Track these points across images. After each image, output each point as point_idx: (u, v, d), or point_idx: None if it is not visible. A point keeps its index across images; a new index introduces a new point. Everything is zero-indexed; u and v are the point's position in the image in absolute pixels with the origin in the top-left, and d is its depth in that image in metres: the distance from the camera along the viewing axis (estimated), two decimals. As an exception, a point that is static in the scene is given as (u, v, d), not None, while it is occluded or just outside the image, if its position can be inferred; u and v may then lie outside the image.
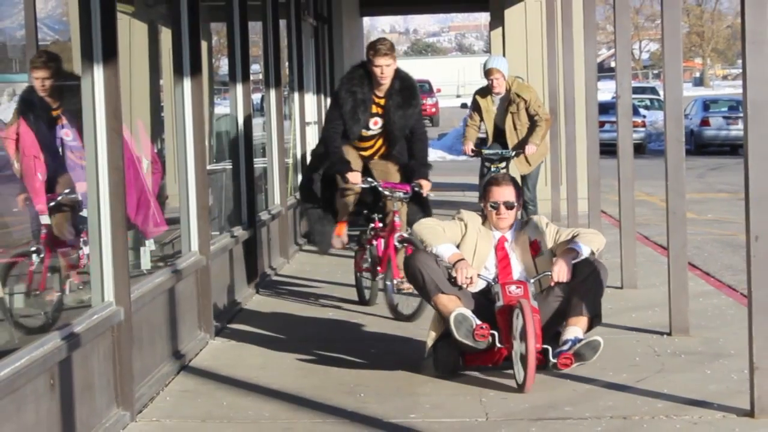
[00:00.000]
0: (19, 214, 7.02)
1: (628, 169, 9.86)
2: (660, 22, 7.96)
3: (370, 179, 8.87)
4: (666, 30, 7.92)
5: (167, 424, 6.20)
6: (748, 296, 6.01)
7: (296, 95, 13.96)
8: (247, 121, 10.26)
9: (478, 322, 6.53)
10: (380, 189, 8.83)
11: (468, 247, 6.97)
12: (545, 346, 6.51)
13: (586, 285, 6.72)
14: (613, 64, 14.01)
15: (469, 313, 6.57)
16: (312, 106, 15.73)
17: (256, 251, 10.26)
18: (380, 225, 9.03)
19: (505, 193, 7.03)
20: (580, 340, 6.60)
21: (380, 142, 9.15)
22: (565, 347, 6.57)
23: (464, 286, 6.71)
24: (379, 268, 8.94)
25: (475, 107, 12.51)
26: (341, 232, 9.23)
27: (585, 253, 6.77)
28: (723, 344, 7.64)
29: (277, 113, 12.09)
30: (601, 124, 13.42)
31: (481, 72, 12.42)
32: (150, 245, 7.86)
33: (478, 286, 6.90)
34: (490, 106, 12.33)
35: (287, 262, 11.97)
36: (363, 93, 8.84)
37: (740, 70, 6.04)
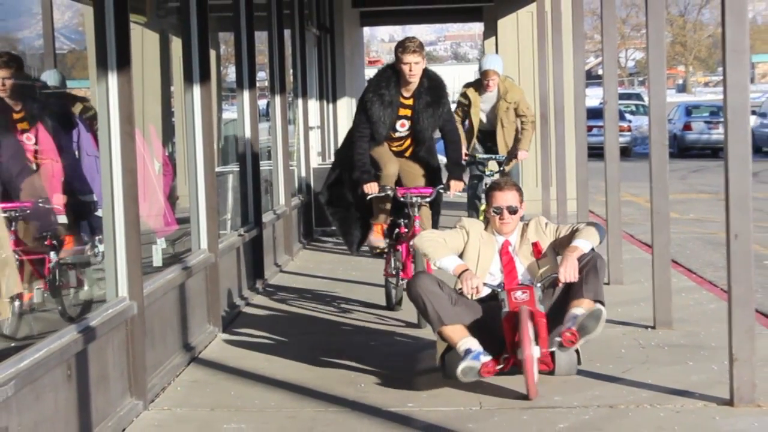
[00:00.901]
0: (36, 214, 7.02)
1: (614, 171, 9.87)
2: (645, 32, 7.97)
3: (387, 187, 8.43)
4: (650, 39, 7.93)
5: (178, 412, 6.20)
6: (727, 291, 6.01)
7: (300, 101, 13.96)
8: (254, 125, 10.26)
9: (484, 360, 6.19)
10: (397, 197, 8.44)
11: (471, 254, 6.74)
12: (552, 349, 6.39)
13: (585, 271, 6.48)
14: (600, 72, 14.01)
15: (473, 355, 6.23)
16: (315, 112, 15.73)
17: (262, 249, 10.26)
18: (405, 231, 8.56)
19: (507, 197, 6.78)
20: (581, 313, 6.41)
21: (408, 142, 8.69)
22: (569, 323, 6.35)
23: (470, 296, 6.44)
24: (402, 273, 8.53)
25: (464, 99, 12.05)
26: (379, 233, 8.77)
27: (586, 249, 6.59)
28: (704, 337, 7.65)
29: (282, 118, 12.10)
30: (589, 128, 13.45)
31: (476, 72, 12.14)
32: (161, 243, 7.87)
33: (485, 292, 6.57)
34: (478, 102, 11.99)
35: (291, 259, 11.98)
36: (390, 95, 8.37)
37: (721, 78, 6.04)
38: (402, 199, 8.42)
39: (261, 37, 11.61)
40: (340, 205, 8.99)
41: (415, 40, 8.40)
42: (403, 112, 8.47)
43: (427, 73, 8.44)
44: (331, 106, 17.83)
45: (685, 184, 23.56)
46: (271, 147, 12.07)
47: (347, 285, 10.18)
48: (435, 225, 8.73)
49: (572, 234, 6.71)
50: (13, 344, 5.47)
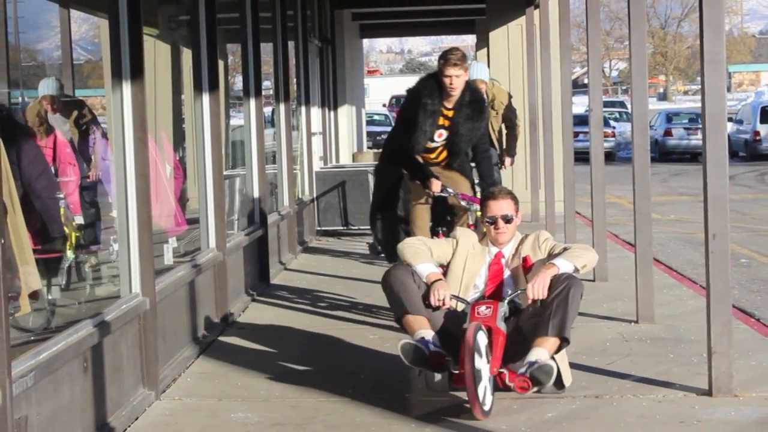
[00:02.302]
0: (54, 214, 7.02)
1: (599, 175, 9.87)
2: (628, 43, 7.98)
3: (448, 188, 7.99)
4: (633, 50, 7.93)
5: (188, 402, 6.20)
6: (706, 288, 6.02)
7: (303, 108, 13.96)
8: (259, 131, 10.26)
9: (435, 349, 5.72)
10: (459, 200, 7.98)
11: (457, 265, 6.20)
12: (502, 370, 5.71)
13: (555, 303, 5.74)
14: (586, 81, 14.02)
15: (424, 340, 5.75)
16: (317, 118, 15.73)
17: (268, 248, 10.26)
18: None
19: (502, 206, 6.20)
20: (537, 361, 5.64)
21: (443, 153, 8.15)
22: (523, 369, 5.65)
23: (439, 306, 5.89)
24: None
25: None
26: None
27: (564, 268, 5.85)
28: (684, 331, 7.65)
29: (286, 125, 12.10)
30: (576, 134, 13.44)
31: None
32: (172, 242, 7.86)
33: (461, 305, 6.06)
34: None
35: (295, 257, 11.97)
36: (433, 105, 7.87)
37: (699, 87, 6.04)
38: (464, 204, 8.01)
39: (266, 49, 11.61)
40: (390, 219, 8.49)
41: (457, 52, 7.90)
42: (442, 121, 7.98)
43: (469, 86, 7.99)
44: (332, 113, 17.85)
45: (666, 186, 23.57)
46: (275, 151, 12.07)
47: (349, 282, 10.18)
48: None
49: (558, 253, 6.05)
50: (32, 338, 5.46)
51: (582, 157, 13.86)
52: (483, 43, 18.26)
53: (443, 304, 5.89)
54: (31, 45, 7.94)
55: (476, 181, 8.48)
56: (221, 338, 7.85)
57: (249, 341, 7.77)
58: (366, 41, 34.26)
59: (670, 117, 35.27)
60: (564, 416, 5.65)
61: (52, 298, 6.54)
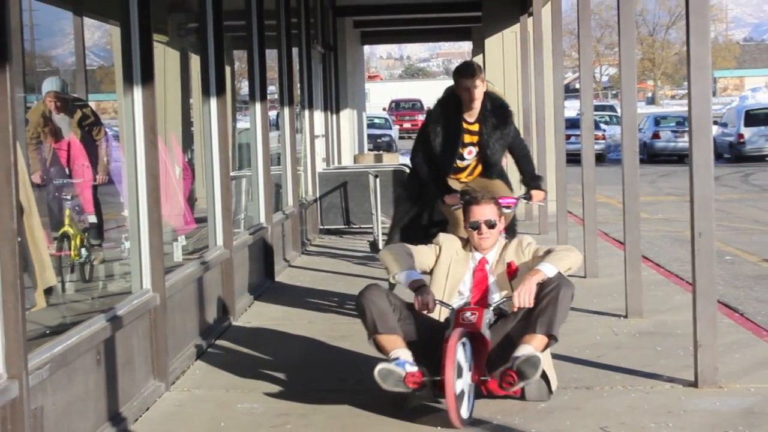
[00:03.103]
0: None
1: (590, 176, 9.88)
2: (618, 50, 7.98)
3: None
4: (623, 57, 7.94)
5: (196, 393, 6.20)
6: (692, 284, 6.02)
7: (307, 112, 13.96)
8: (265, 134, 10.26)
9: (411, 369, 5.34)
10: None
11: (441, 271, 5.89)
12: (484, 378, 5.47)
13: (545, 301, 5.47)
14: (577, 86, 14.01)
15: (399, 360, 5.38)
16: (320, 122, 15.74)
17: (273, 246, 10.26)
18: None
19: (485, 211, 5.86)
20: (523, 355, 5.37)
21: (478, 169, 7.57)
22: (509, 364, 5.37)
23: (423, 312, 5.58)
24: None
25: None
26: None
27: (549, 273, 5.55)
28: (671, 325, 7.65)
29: (290, 128, 12.10)
30: (568, 137, 13.44)
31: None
32: (181, 240, 7.87)
33: (444, 311, 5.76)
34: None
35: (299, 255, 11.98)
36: (456, 123, 7.29)
37: (686, 91, 6.04)
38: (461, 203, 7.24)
39: (271, 55, 11.62)
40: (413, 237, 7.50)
41: (471, 62, 7.50)
42: (469, 138, 7.39)
43: (489, 95, 7.41)
44: (334, 116, 17.84)
45: (654, 187, 23.57)
46: (280, 153, 12.07)
47: (350, 279, 10.18)
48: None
49: (543, 256, 5.74)
50: (47, 332, 5.47)
51: (574, 158, 13.86)
52: (479, 49, 18.30)
53: (428, 309, 5.56)
54: (46, 51, 7.95)
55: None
56: (228, 332, 7.85)
57: (255, 335, 7.78)
58: (367, 47, 34.27)
59: (658, 120, 35.26)
60: (556, 407, 5.65)
61: (65, 294, 6.56)
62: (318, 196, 13.93)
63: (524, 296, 5.47)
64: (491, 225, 5.85)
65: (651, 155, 33.35)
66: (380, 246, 11.78)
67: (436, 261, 5.93)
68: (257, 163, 10.15)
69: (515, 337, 5.53)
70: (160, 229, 6.28)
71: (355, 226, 13.91)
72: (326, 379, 6.40)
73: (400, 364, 5.38)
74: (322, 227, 14.00)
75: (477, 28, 20.27)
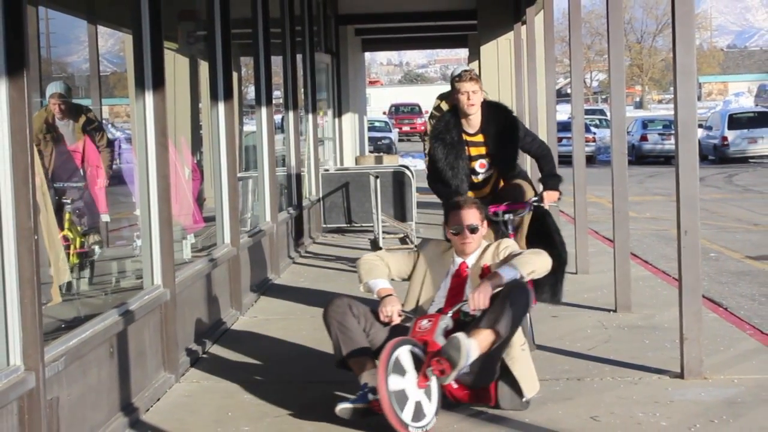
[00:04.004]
0: (83, 213, 7.02)
1: (581, 176, 9.87)
2: (607, 56, 7.98)
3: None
4: (612, 63, 7.93)
5: (205, 384, 6.20)
6: (678, 280, 6.02)
7: (310, 116, 13.96)
8: (270, 137, 10.26)
9: (374, 397, 4.97)
10: (488, 215, 6.36)
11: (417, 277, 5.61)
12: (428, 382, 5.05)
13: (496, 302, 5.14)
14: (569, 91, 14.01)
15: (362, 394, 5.08)
16: (329, 125, 15.75)
17: (278, 243, 10.26)
18: None
19: (468, 216, 5.57)
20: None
21: (494, 178, 6.94)
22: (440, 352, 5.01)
23: (388, 323, 5.34)
24: None
25: (438, 112, 9.67)
26: None
27: (509, 276, 5.21)
28: (658, 319, 7.65)
29: (295, 131, 12.11)
30: (559, 139, 13.46)
31: (445, 69, 9.97)
32: (191, 238, 7.87)
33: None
34: None
35: (303, 252, 11.97)
36: (456, 137, 6.74)
37: (672, 96, 6.04)
38: (494, 218, 6.61)
39: (277, 61, 11.62)
40: None
41: (470, 70, 7.00)
42: (476, 151, 6.81)
43: (487, 103, 6.86)
44: (337, 120, 17.86)
45: (642, 187, 23.57)
46: (285, 155, 12.07)
47: (352, 275, 10.16)
48: (551, 244, 6.65)
49: (508, 258, 5.43)
50: (63, 325, 5.47)
51: (565, 160, 13.86)
52: (475, 56, 18.29)
53: (392, 321, 5.31)
54: (61, 58, 7.96)
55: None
56: (235, 326, 7.85)
57: (261, 329, 7.77)
58: (368, 54, 34.25)
59: (645, 123, 35.26)
60: (548, 397, 5.65)
61: (80, 289, 6.56)
62: (321, 196, 13.93)
63: (479, 299, 5.13)
64: (473, 230, 5.57)
65: (639, 157, 33.34)
66: (381, 244, 11.79)
67: (414, 267, 5.66)
68: (263, 165, 10.15)
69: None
70: (170, 228, 6.27)
71: (356, 225, 13.91)
72: (330, 372, 6.38)
73: (361, 397, 5.08)
74: (325, 226, 13.99)
75: (473, 35, 20.28)
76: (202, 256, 7.61)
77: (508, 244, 5.63)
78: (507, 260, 5.39)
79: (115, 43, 8.76)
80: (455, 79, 6.77)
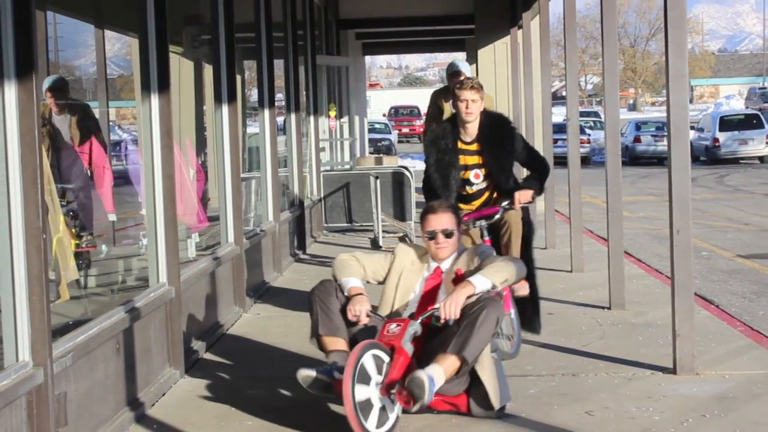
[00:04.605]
0: (90, 213, 7.01)
1: (576, 177, 9.87)
2: (601, 60, 7.97)
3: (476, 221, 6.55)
4: (606, 66, 7.93)
5: (209, 380, 6.19)
6: (671, 278, 6.02)
7: (312, 118, 13.95)
8: (273, 138, 10.26)
9: (339, 376, 4.82)
10: (463, 223, 6.00)
11: (392, 280, 5.42)
12: (392, 391, 4.82)
13: (464, 323, 4.88)
14: (564, 93, 14.03)
15: (327, 367, 4.95)
16: (324, 128, 15.73)
17: (280, 242, 10.26)
18: None
19: (442, 220, 5.37)
20: (416, 373, 4.75)
21: (488, 192, 6.69)
22: (406, 381, 4.77)
23: (356, 322, 5.15)
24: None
25: (434, 108, 9.32)
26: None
27: (481, 286, 5.00)
28: (651, 316, 7.65)
29: (297, 133, 12.10)
30: (555, 141, 13.44)
31: (445, 77, 9.36)
32: (195, 237, 7.87)
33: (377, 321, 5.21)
34: (450, 110, 8.72)
35: (305, 251, 11.97)
36: (451, 143, 6.54)
37: (665, 98, 6.04)
38: (465, 226, 6.33)
39: (279, 64, 11.61)
40: None
41: (473, 78, 6.77)
42: (471, 160, 6.59)
43: (486, 113, 6.62)
44: (337, 122, 17.82)
45: (635, 187, 23.56)
46: (287, 156, 12.07)
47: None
48: (528, 247, 6.68)
49: (481, 265, 5.21)
50: (70, 322, 5.46)
51: (560, 161, 13.88)
52: (472, 59, 18.24)
53: (359, 320, 5.13)
54: (69, 62, 7.95)
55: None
56: (238, 323, 7.84)
57: (264, 326, 7.77)
58: (368, 58, 34.25)
59: (638, 125, 35.26)
60: (545, 392, 5.65)
61: (88, 286, 6.55)
62: (322, 196, 13.92)
63: (450, 308, 4.91)
64: (448, 234, 5.37)
65: (632, 158, 33.34)
66: (380, 243, 11.78)
67: (389, 270, 5.46)
68: (266, 165, 10.15)
69: (438, 350, 4.95)
70: (175, 227, 6.27)
71: (356, 225, 13.90)
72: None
73: (326, 371, 4.93)
74: (326, 225, 13.99)
75: (470, 39, 20.29)
76: (207, 255, 7.60)
77: (483, 249, 5.44)
78: (480, 267, 5.18)
79: (121, 47, 8.75)
80: (456, 87, 6.54)
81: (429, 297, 5.32)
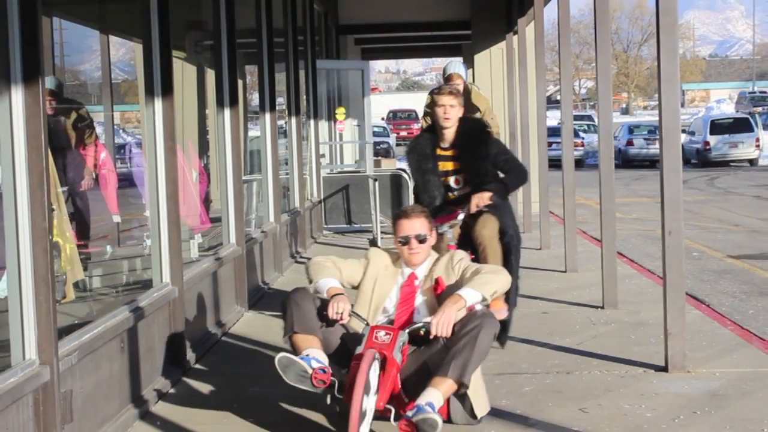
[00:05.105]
0: (95, 213, 7.01)
1: (570, 179, 9.87)
2: (595, 65, 7.97)
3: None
4: (599, 71, 7.94)
5: (211, 378, 6.18)
6: (663, 277, 6.02)
7: (312, 122, 13.95)
8: (274, 141, 10.25)
9: (319, 364, 4.70)
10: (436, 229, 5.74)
11: (367, 286, 5.18)
12: (388, 406, 4.63)
13: (461, 342, 4.67)
14: (558, 97, 14.03)
15: (307, 356, 4.75)
16: (324, 131, 15.73)
17: (281, 243, 10.25)
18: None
19: (415, 225, 5.15)
20: (426, 409, 4.51)
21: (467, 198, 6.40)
22: (410, 413, 4.52)
23: (338, 320, 4.89)
24: None
25: (430, 109, 7.77)
26: None
27: (472, 300, 4.79)
28: (643, 315, 7.65)
29: (297, 136, 12.09)
30: (549, 144, 13.45)
31: (440, 77, 9.41)
32: (198, 238, 7.87)
33: (360, 324, 5.02)
34: None
35: (305, 251, 11.96)
36: (429, 150, 6.42)
37: (657, 102, 6.04)
38: (439, 232, 6.10)
39: (280, 68, 11.61)
40: None
41: (452, 85, 6.76)
42: (450, 166, 6.45)
43: (463, 119, 6.45)
44: (346, 125, 17.83)
45: (628, 189, 23.57)
46: (288, 159, 12.06)
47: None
48: (509, 258, 6.31)
49: (470, 278, 4.95)
50: (76, 321, 5.46)
51: (555, 164, 13.87)
52: (468, 64, 18.23)
53: (341, 318, 4.87)
54: (75, 67, 7.96)
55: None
56: (240, 322, 7.84)
57: (265, 325, 7.77)
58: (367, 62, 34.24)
59: (631, 129, 35.31)
60: (539, 390, 5.65)
61: (93, 286, 6.55)
62: (322, 197, 13.92)
63: (442, 326, 4.68)
64: (421, 240, 5.16)
65: (625, 161, 33.37)
66: (379, 244, 11.78)
67: (363, 275, 5.23)
68: (267, 168, 10.14)
69: (431, 367, 4.76)
70: (178, 228, 6.27)
71: (356, 225, 13.91)
72: (332, 364, 6.37)
73: (305, 359, 4.72)
74: (325, 226, 13.99)
75: (467, 45, 20.28)
76: (209, 255, 7.60)
77: (462, 257, 5.20)
78: (466, 279, 4.96)
79: (126, 52, 8.76)
80: (435, 92, 6.41)
81: (406, 305, 5.10)
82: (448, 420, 4.91)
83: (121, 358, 5.23)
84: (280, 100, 12.16)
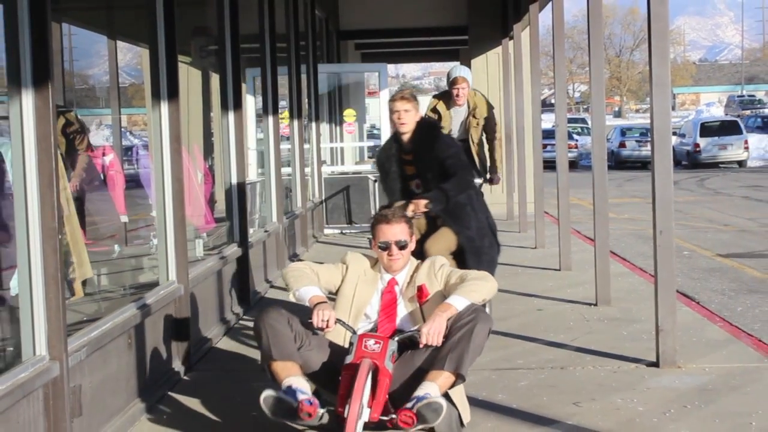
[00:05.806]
0: (103, 213, 7.01)
1: (564, 180, 9.87)
2: (588, 69, 7.97)
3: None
4: (592, 75, 7.94)
5: (216, 372, 6.20)
6: (654, 276, 6.02)
7: (314, 124, 13.95)
8: (276, 144, 10.25)
9: (303, 396, 4.37)
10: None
11: (347, 292, 4.93)
12: (383, 417, 4.37)
13: (456, 335, 4.49)
14: (553, 101, 14.02)
15: (291, 389, 4.43)
16: (326, 133, 15.73)
17: (283, 242, 10.25)
18: None
19: (395, 231, 4.89)
20: (426, 396, 4.34)
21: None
22: (410, 404, 4.31)
23: (321, 329, 4.60)
24: None
25: (433, 113, 8.97)
26: None
27: (462, 307, 4.58)
28: (636, 312, 7.65)
29: (299, 138, 12.09)
30: (544, 146, 13.44)
31: (438, 81, 8.90)
32: (203, 238, 7.87)
33: (344, 333, 4.78)
34: (448, 116, 8.99)
35: (306, 251, 11.97)
36: (393, 155, 6.48)
37: (648, 106, 6.04)
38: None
39: (282, 72, 11.61)
40: None
41: (405, 90, 6.66)
42: (410, 170, 6.48)
43: (419, 123, 6.40)
44: (338, 128, 17.84)
45: (620, 190, 23.57)
46: (290, 160, 12.06)
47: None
48: (479, 259, 6.32)
49: (456, 284, 4.76)
50: (85, 318, 5.47)
51: (549, 165, 13.88)
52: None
53: (327, 327, 4.58)
54: (83, 71, 7.96)
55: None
56: (243, 320, 7.84)
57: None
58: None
59: (624, 131, 35.31)
60: (534, 384, 5.65)
61: (102, 284, 6.55)
62: (323, 198, 13.92)
63: (433, 336, 4.48)
64: (402, 246, 4.91)
65: (618, 162, 33.38)
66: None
67: (342, 281, 4.98)
68: (270, 169, 10.14)
69: (424, 367, 4.55)
70: (183, 228, 6.27)
71: (356, 225, 13.90)
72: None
73: (291, 393, 4.41)
74: (327, 226, 13.99)
75: (464, 50, 20.29)
76: (214, 254, 7.60)
77: (443, 263, 4.98)
78: (452, 285, 4.78)
79: (133, 57, 8.75)
80: (389, 101, 6.37)
81: (388, 312, 4.87)
82: (430, 429, 4.47)
83: (128, 354, 5.23)
84: (283, 104, 12.16)
